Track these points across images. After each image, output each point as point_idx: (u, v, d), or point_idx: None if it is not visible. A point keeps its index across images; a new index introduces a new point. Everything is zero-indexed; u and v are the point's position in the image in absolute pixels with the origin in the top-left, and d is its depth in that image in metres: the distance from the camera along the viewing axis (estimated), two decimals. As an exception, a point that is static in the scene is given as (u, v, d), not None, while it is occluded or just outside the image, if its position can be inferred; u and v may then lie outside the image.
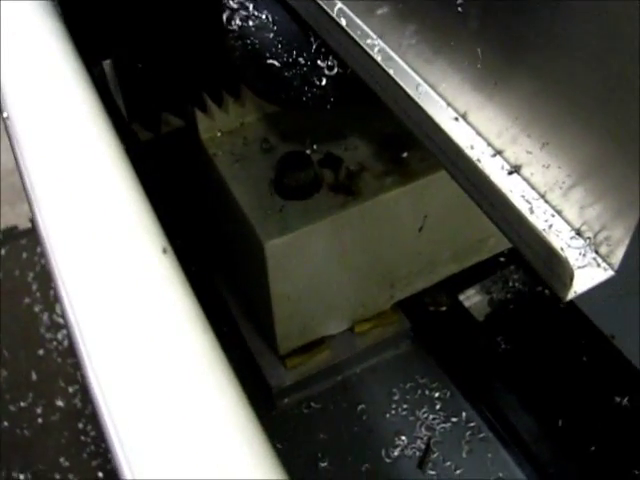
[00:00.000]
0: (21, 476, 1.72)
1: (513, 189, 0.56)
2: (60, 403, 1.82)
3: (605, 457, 1.17)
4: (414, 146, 1.11)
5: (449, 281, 1.39)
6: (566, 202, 0.53)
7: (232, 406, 0.42)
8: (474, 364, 1.34)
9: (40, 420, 1.80)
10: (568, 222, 0.53)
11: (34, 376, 1.88)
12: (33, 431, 1.79)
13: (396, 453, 1.27)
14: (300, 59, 0.86)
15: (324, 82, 0.85)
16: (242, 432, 0.42)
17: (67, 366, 1.91)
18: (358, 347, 1.36)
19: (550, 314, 1.32)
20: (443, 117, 0.62)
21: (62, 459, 1.74)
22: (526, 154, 0.55)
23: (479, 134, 0.60)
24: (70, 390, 1.85)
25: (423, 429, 1.30)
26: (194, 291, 0.50)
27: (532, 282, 1.41)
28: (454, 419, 1.31)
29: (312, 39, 0.85)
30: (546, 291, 1.37)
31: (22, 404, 1.83)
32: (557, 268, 0.51)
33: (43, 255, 1.82)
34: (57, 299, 1.77)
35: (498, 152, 0.58)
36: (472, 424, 1.30)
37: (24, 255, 2.18)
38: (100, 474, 1.72)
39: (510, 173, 0.57)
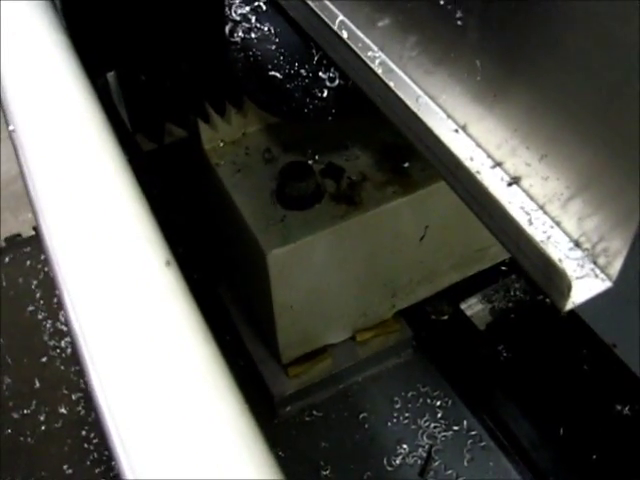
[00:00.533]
0: (24, 483, 1.72)
1: (512, 200, 0.56)
2: (63, 410, 1.82)
3: (606, 465, 1.17)
4: (415, 156, 1.12)
5: (451, 290, 1.40)
6: (565, 213, 0.53)
7: (234, 417, 0.43)
8: (475, 373, 1.34)
9: (43, 427, 1.79)
10: (567, 233, 0.53)
11: (37, 383, 1.88)
12: (36, 438, 1.78)
13: (398, 461, 1.28)
14: (302, 71, 0.86)
15: (325, 94, 0.85)
16: (244, 441, 0.43)
17: (70, 374, 1.90)
18: (360, 356, 1.37)
19: (551, 323, 1.33)
20: (443, 129, 0.62)
21: (65, 466, 1.73)
22: (525, 166, 0.55)
23: (479, 146, 0.60)
24: (73, 397, 1.85)
25: (425, 437, 1.30)
26: (197, 300, 0.51)
27: (533, 291, 1.41)
28: (455, 427, 1.31)
29: (314, 51, 0.85)
30: (547, 300, 1.38)
31: (25, 411, 1.82)
32: (555, 279, 0.51)
33: (47, 263, 1.82)
34: (62, 311, 1.77)
35: (498, 164, 0.58)
36: (473, 432, 1.30)
37: (27, 263, 2.17)
38: (103, 481, 1.72)
39: (510, 184, 0.57)
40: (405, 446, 1.29)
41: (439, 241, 1.23)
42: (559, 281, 0.51)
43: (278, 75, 0.86)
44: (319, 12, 0.76)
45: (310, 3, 0.77)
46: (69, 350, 1.93)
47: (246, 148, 1.18)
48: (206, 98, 1.06)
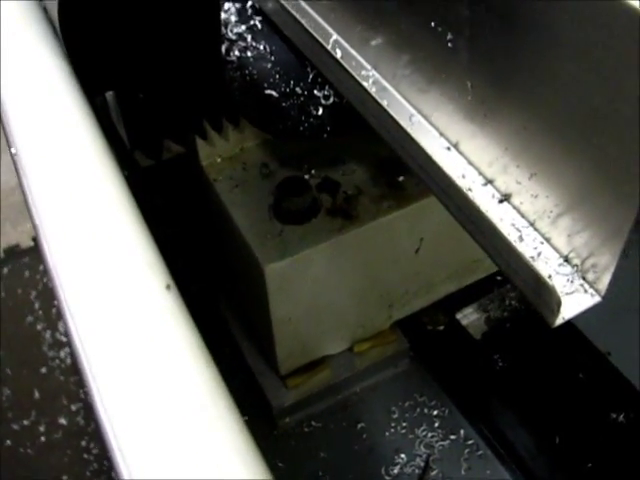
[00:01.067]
0: (24, 494, 1.72)
1: (503, 217, 0.57)
2: (63, 421, 1.82)
3: (602, 473, 1.18)
4: (410, 171, 1.13)
5: (446, 300, 1.41)
6: (554, 230, 0.54)
7: (237, 445, 0.44)
8: (472, 382, 1.36)
9: (43, 438, 1.79)
10: (556, 249, 0.54)
11: (37, 394, 1.88)
12: (36, 449, 1.78)
13: (396, 471, 1.28)
14: (297, 89, 0.87)
15: (321, 111, 0.86)
16: (243, 460, 0.44)
17: (70, 384, 1.90)
18: (358, 366, 1.38)
19: (546, 331, 1.33)
20: (435, 147, 0.63)
21: (65, 477, 1.72)
22: (516, 184, 0.56)
23: (470, 163, 0.61)
24: (73, 408, 1.85)
25: (422, 447, 1.31)
26: (195, 314, 0.52)
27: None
28: (453, 437, 1.32)
29: (309, 69, 0.86)
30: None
31: (25, 422, 1.82)
32: (545, 295, 0.52)
33: (46, 276, 1.82)
34: (62, 323, 1.77)
35: (489, 181, 0.59)
36: (470, 441, 1.31)
37: (26, 274, 2.17)
38: (103, 492, 1.72)
39: (501, 201, 0.58)
40: (403, 455, 1.30)
41: (434, 253, 1.25)
42: (549, 298, 0.52)
43: (274, 94, 0.87)
44: (313, 32, 0.77)
45: (304, 22, 0.78)
46: (68, 361, 1.93)
47: (243, 163, 1.19)
48: (203, 115, 1.07)
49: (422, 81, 0.63)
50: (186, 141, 1.12)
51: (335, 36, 0.75)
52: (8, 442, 1.79)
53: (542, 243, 0.55)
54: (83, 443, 1.78)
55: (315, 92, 0.87)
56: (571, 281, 0.53)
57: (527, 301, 0.55)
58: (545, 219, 0.54)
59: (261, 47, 0.89)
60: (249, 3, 0.90)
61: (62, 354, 1.96)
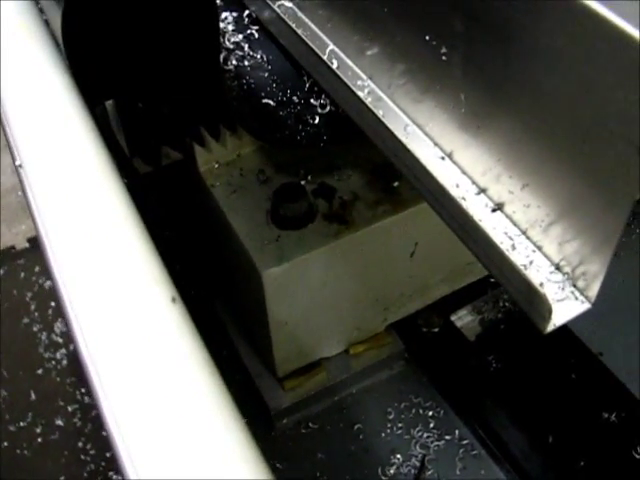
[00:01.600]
0: (21, 496, 1.71)
1: (496, 226, 0.58)
2: (59, 422, 1.81)
3: (593, 472, 1.19)
4: (405, 176, 1.14)
5: (441, 302, 1.42)
6: (546, 238, 0.55)
7: (240, 450, 0.45)
8: (466, 383, 1.36)
9: (40, 440, 1.78)
10: (548, 257, 0.55)
11: (33, 396, 1.87)
12: (33, 451, 1.77)
13: (392, 471, 1.29)
14: (294, 98, 0.87)
15: (317, 120, 0.87)
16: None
17: (66, 385, 1.89)
18: (353, 368, 1.39)
19: (539, 333, 1.34)
20: (430, 156, 0.64)
21: (62, 478, 1.72)
22: (508, 193, 0.57)
23: (464, 173, 0.62)
24: (69, 409, 1.84)
25: (418, 447, 1.32)
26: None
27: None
28: (447, 437, 1.33)
29: (305, 78, 0.87)
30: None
31: (21, 424, 1.81)
32: (536, 303, 0.54)
33: (43, 275, 1.82)
34: (61, 323, 1.77)
35: (482, 190, 0.60)
36: (465, 442, 1.32)
37: (22, 275, 2.15)
38: (100, 492, 1.72)
39: (494, 210, 0.59)
40: (399, 456, 1.31)
41: (429, 256, 1.26)
42: (540, 305, 0.53)
43: (271, 102, 0.88)
44: (309, 42, 0.77)
45: (300, 32, 0.79)
46: (65, 362, 1.93)
47: (240, 169, 1.20)
48: (201, 123, 1.08)
49: (416, 91, 0.64)
50: (184, 148, 1.13)
51: (331, 46, 0.76)
52: (5, 444, 1.78)
53: (534, 251, 0.56)
54: (80, 444, 1.77)
55: (312, 101, 0.87)
56: (562, 288, 0.54)
57: (519, 307, 0.57)
58: (537, 228, 0.56)
59: (258, 56, 0.90)
60: (246, 12, 0.91)
61: (58, 355, 1.95)
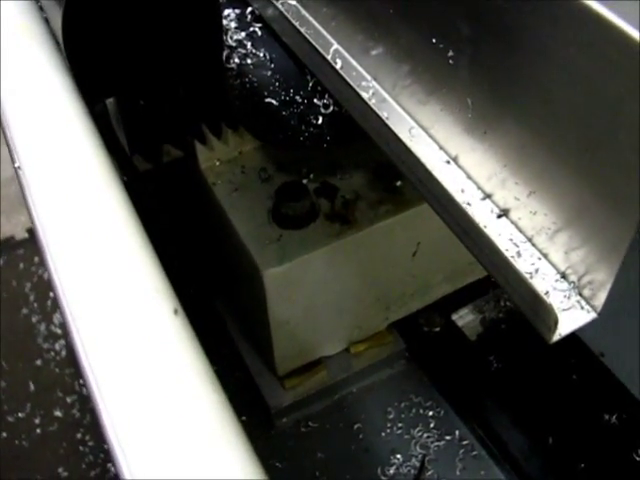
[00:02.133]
0: (21, 486, 1.72)
1: (502, 232, 0.58)
2: (58, 413, 1.82)
3: (594, 474, 1.19)
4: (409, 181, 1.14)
5: (442, 302, 1.42)
6: (552, 246, 0.55)
7: (243, 464, 0.45)
8: (467, 383, 1.36)
9: (38, 430, 1.79)
10: (554, 265, 0.55)
11: (32, 387, 1.87)
12: (31, 442, 1.78)
13: (392, 471, 1.29)
14: (297, 97, 0.87)
15: (320, 120, 0.86)
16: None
17: (65, 376, 1.89)
18: (354, 367, 1.39)
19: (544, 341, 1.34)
20: (435, 160, 0.63)
21: (61, 469, 1.72)
22: (514, 200, 0.57)
23: (469, 177, 0.62)
24: (68, 400, 1.85)
25: (418, 447, 1.32)
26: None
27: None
28: (448, 437, 1.33)
29: (308, 77, 0.86)
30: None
31: (20, 415, 1.82)
32: (542, 313, 0.53)
33: (42, 266, 1.81)
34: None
35: (488, 195, 0.60)
36: (465, 442, 1.32)
37: (21, 266, 2.16)
38: (99, 484, 1.73)
39: (499, 216, 0.59)
40: (399, 456, 1.31)
41: (431, 256, 1.26)
42: (546, 316, 0.53)
43: (274, 102, 0.87)
44: (313, 41, 0.77)
45: (303, 30, 0.78)
46: (63, 353, 1.93)
47: (242, 167, 1.19)
48: (203, 120, 1.07)
49: (422, 92, 0.64)
50: (185, 146, 1.12)
51: (335, 45, 0.75)
52: (4, 434, 1.79)
53: (540, 259, 0.56)
54: (78, 435, 1.78)
55: (315, 101, 0.87)
56: (568, 297, 0.54)
57: (524, 317, 0.56)
58: (543, 235, 0.55)
59: (261, 54, 0.89)
60: (249, 9, 0.90)
61: (57, 346, 1.96)
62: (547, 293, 0.54)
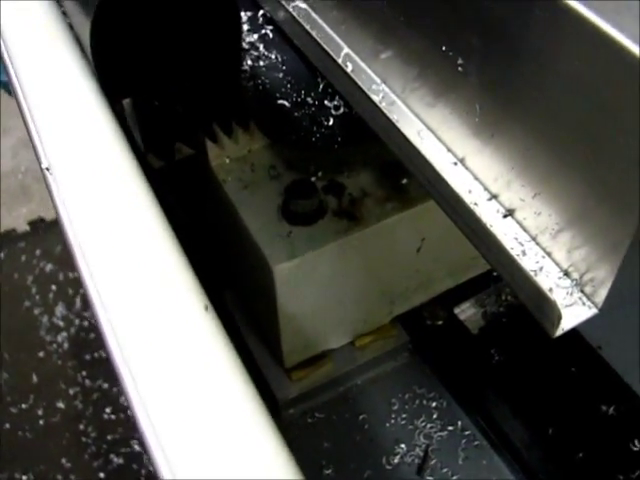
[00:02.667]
0: (23, 477, 1.74)
1: (507, 232, 0.60)
2: (61, 405, 1.83)
3: (592, 463, 1.22)
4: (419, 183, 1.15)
5: (445, 296, 1.44)
6: (555, 245, 0.57)
7: (277, 461, 0.47)
8: (469, 375, 1.38)
9: (41, 422, 1.81)
10: (557, 263, 0.57)
11: (35, 378, 1.89)
12: (34, 433, 1.79)
13: (396, 460, 1.31)
14: (308, 99, 0.88)
15: (331, 122, 0.88)
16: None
17: (67, 368, 1.91)
18: (359, 360, 1.41)
19: (540, 326, 1.36)
20: (443, 161, 0.65)
21: (64, 460, 1.74)
22: (519, 200, 0.59)
23: (477, 179, 0.63)
24: (71, 392, 1.86)
25: (421, 437, 1.34)
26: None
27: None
28: (450, 427, 1.35)
29: (319, 79, 0.87)
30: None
31: (23, 406, 1.83)
32: (546, 309, 0.55)
33: (44, 259, 1.81)
34: (59, 307, 1.76)
35: (494, 196, 0.62)
36: (467, 432, 1.34)
37: (23, 258, 2.16)
38: (101, 475, 1.74)
39: (505, 216, 0.61)
40: (403, 446, 1.33)
41: (435, 251, 1.28)
42: (550, 311, 0.55)
43: (286, 104, 0.89)
44: (324, 44, 0.79)
45: (314, 34, 0.80)
46: (66, 345, 1.95)
47: (252, 165, 1.21)
48: (215, 120, 1.09)
49: (431, 95, 0.65)
50: (197, 144, 1.14)
51: (346, 49, 0.76)
52: (7, 425, 1.81)
53: (543, 257, 0.58)
54: (81, 427, 1.80)
55: (326, 102, 0.88)
56: (570, 294, 0.56)
57: (529, 312, 0.59)
58: (547, 234, 0.57)
59: (273, 56, 0.90)
60: (260, 12, 0.92)
61: (59, 338, 1.97)
62: (551, 290, 0.56)
